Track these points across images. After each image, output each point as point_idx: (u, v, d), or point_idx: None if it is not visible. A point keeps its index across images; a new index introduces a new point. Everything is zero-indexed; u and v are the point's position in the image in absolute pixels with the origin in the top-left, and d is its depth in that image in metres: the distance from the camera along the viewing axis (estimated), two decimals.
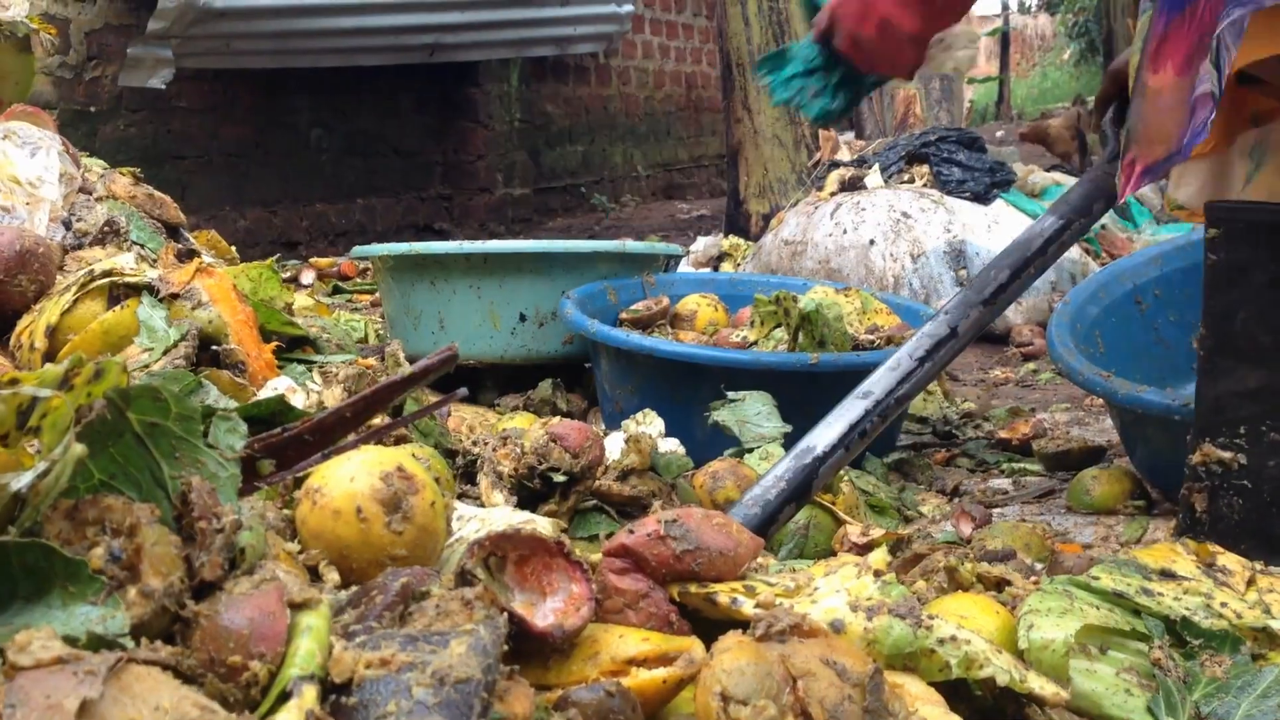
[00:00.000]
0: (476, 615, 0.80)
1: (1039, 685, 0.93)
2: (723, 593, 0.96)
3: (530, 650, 0.87)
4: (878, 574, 0.98)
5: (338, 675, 0.75)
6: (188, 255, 1.55)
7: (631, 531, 0.98)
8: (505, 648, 0.80)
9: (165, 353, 1.35)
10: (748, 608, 0.94)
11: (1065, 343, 1.98)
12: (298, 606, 0.79)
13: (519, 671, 0.83)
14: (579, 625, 0.88)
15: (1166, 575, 1.20)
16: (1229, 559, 1.30)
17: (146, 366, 1.32)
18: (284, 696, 0.75)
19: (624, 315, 2.48)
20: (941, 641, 0.92)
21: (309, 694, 0.74)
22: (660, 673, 0.84)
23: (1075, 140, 3.83)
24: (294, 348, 1.64)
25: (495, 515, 1.21)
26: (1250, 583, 1.23)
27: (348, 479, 0.99)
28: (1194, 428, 1.37)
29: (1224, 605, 1.16)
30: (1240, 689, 1.04)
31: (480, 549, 0.88)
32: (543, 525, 1.14)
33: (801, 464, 1.51)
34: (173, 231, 1.62)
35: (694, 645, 0.86)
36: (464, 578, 0.87)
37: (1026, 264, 1.71)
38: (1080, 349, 1.98)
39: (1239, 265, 1.32)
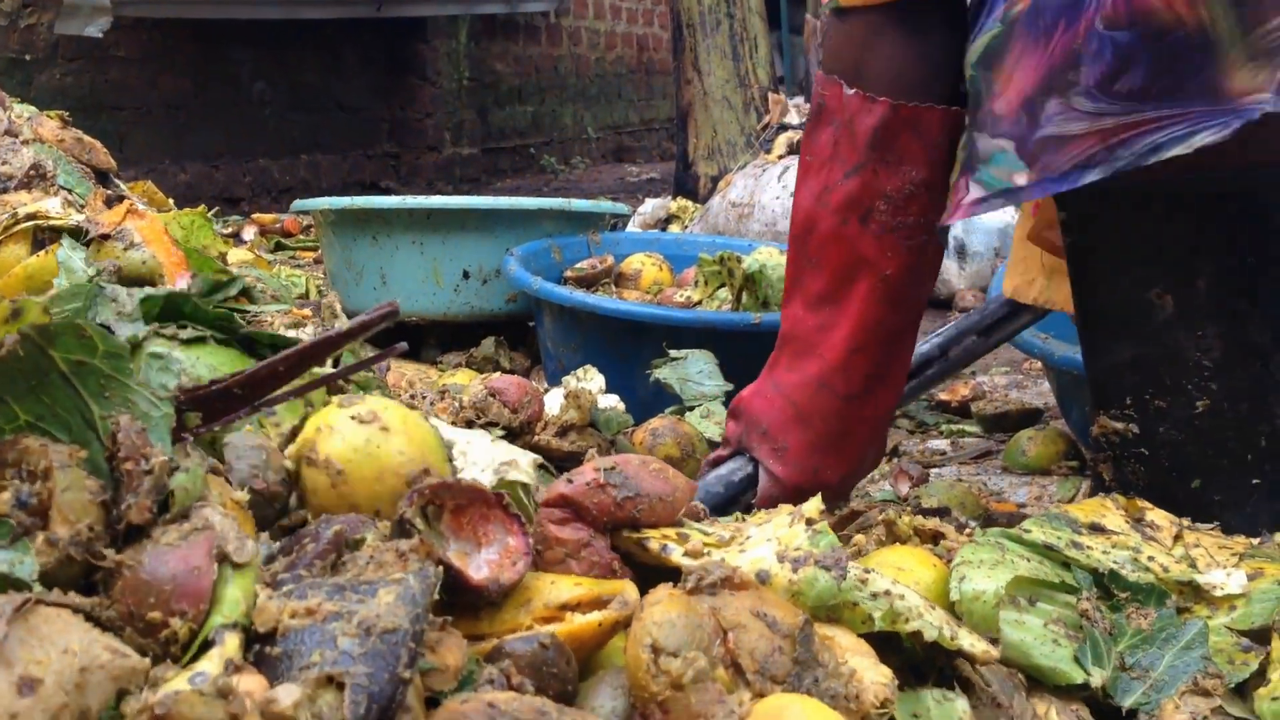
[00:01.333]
0: (410, 565, 0.79)
1: (969, 643, 0.94)
2: (654, 539, 0.96)
3: (464, 602, 0.87)
4: (810, 522, 0.98)
5: (262, 625, 0.74)
6: (118, 201, 1.51)
7: (570, 481, 0.97)
8: (437, 598, 0.79)
9: None
10: (676, 555, 0.94)
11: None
12: (229, 560, 0.78)
13: (451, 622, 0.82)
14: (514, 579, 0.87)
15: (1096, 529, 1.21)
16: (1157, 514, 1.32)
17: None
18: (207, 645, 0.74)
19: (568, 273, 2.47)
20: (875, 595, 0.92)
21: (231, 643, 0.73)
22: (594, 616, 0.83)
23: None
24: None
25: (476, 445, 1.19)
26: (1177, 537, 1.25)
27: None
28: (1090, 401, 1.39)
29: (1151, 559, 1.18)
30: (1164, 640, 1.06)
31: (419, 497, 0.87)
32: (524, 463, 1.12)
33: (710, 491, 1.48)
34: (102, 177, 1.58)
35: (627, 587, 0.86)
36: (402, 527, 0.86)
37: (925, 364, 1.65)
38: None
39: (1089, 245, 1.33)
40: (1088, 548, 1.16)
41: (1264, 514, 1.29)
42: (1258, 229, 1.26)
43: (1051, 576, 1.09)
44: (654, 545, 0.96)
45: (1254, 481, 1.29)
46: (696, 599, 0.83)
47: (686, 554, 0.94)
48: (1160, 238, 1.27)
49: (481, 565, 0.88)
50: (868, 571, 0.94)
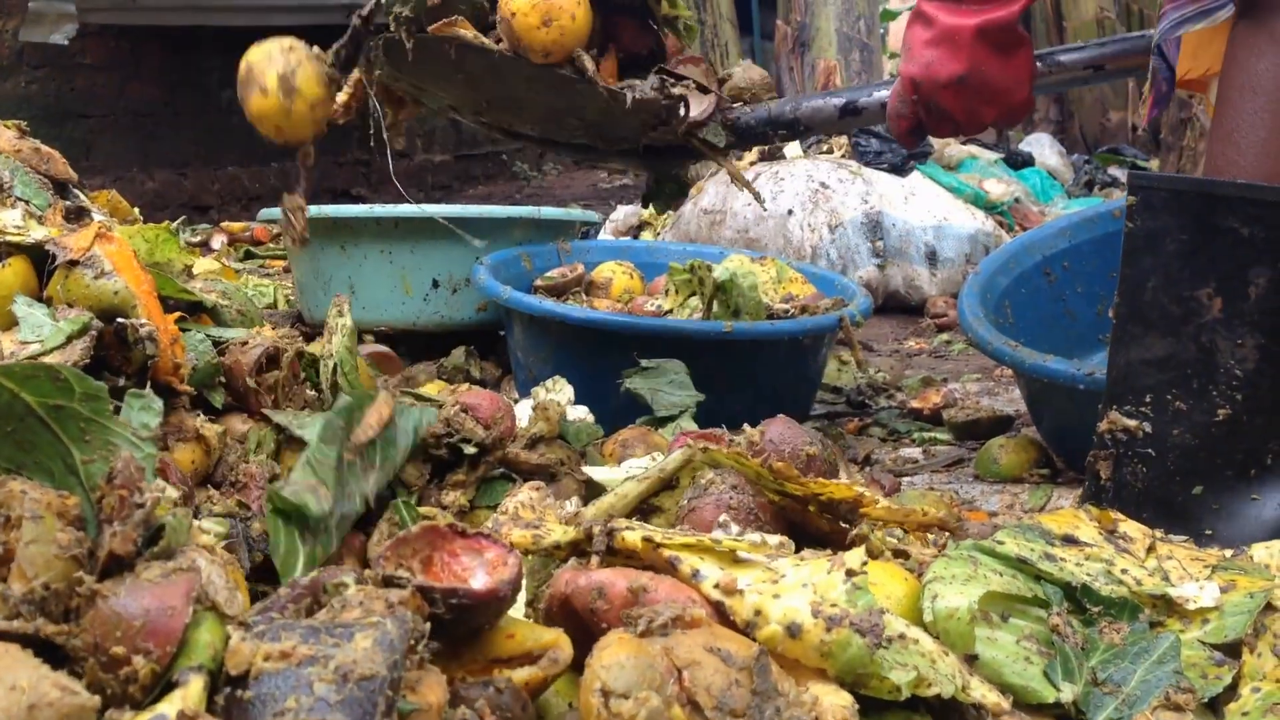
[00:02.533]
0: (391, 609, 0.77)
1: (981, 694, 0.93)
2: (686, 561, 0.93)
3: (466, 633, 0.83)
4: (850, 574, 0.95)
5: (234, 667, 0.71)
6: (77, 213, 1.48)
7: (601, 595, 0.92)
8: (415, 641, 0.76)
9: (54, 350, 1.27)
10: (707, 585, 0.92)
11: (975, 312, 1.99)
12: (209, 605, 0.75)
13: (438, 657, 0.79)
14: (516, 573, 0.84)
15: (1070, 541, 1.21)
16: (1130, 526, 1.32)
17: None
18: (172, 686, 0.72)
19: (539, 282, 2.45)
20: (890, 640, 0.90)
21: (195, 686, 0.71)
22: (523, 673, 0.81)
23: None
24: (192, 315, 1.58)
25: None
26: (1150, 550, 1.25)
27: None
28: (1104, 395, 1.38)
29: (1124, 572, 1.17)
30: (1137, 655, 1.05)
31: (390, 557, 0.84)
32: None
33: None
34: (61, 188, 1.55)
35: (560, 641, 0.83)
36: (391, 581, 0.83)
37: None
38: (990, 319, 2.00)
39: (1153, 233, 1.33)
40: (1061, 560, 1.15)
41: (1254, 528, 1.30)
42: None
43: (1024, 590, 1.08)
44: (685, 569, 0.94)
45: (1253, 497, 1.31)
46: (647, 640, 0.81)
47: (718, 586, 0.92)
48: (1225, 239, 1.28)
49: (479, 578, 0.86)
50: (883, 612, 0.92)
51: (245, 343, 1.49)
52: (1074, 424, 1.90)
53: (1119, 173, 4.02)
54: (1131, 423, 1.33)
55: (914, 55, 1.63)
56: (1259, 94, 1.30)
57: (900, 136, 1.75)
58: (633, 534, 0.98)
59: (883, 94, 1.80)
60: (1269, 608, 1.10)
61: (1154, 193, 1.35)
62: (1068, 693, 0.98)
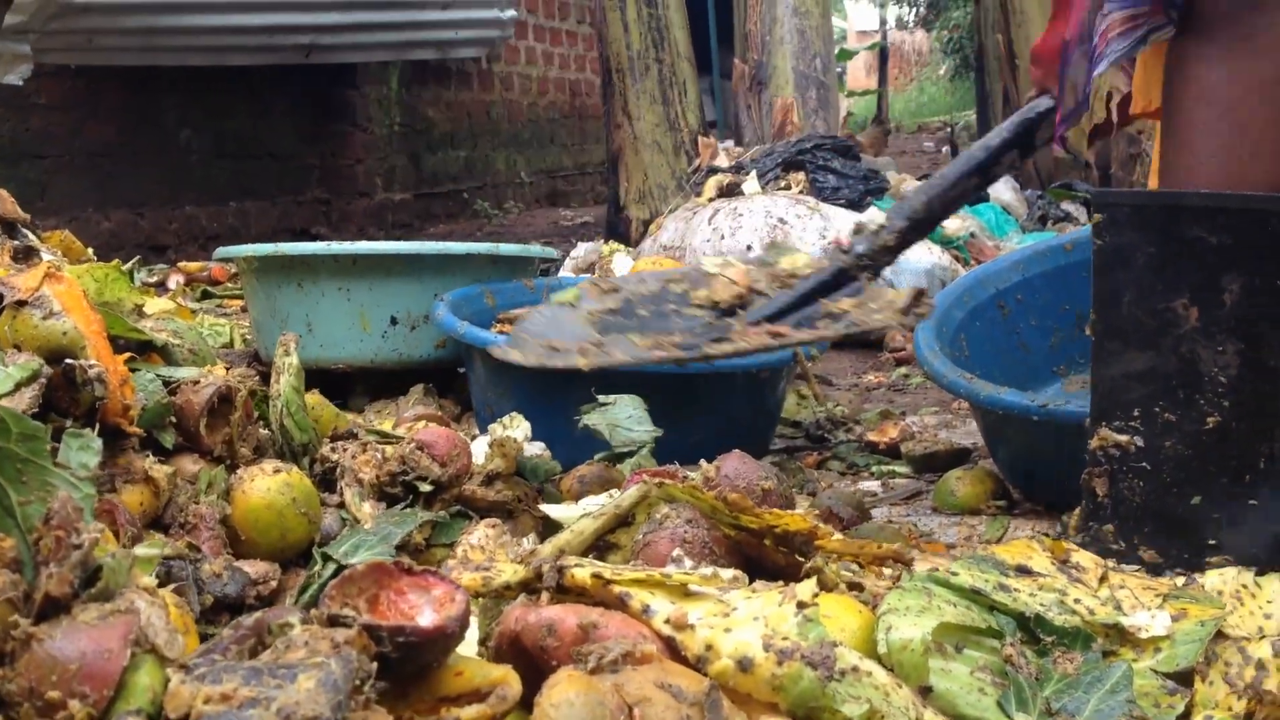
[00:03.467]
0: (337, 648, 0.75)
1: None
2: (636, 597, 0.93)
3: (414, 671, 0.82)
4: (801, 605, 0.95)
5: (173, 710, 0.70)
6: (26, 253, 1.47)
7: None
8: (360, 681, 0.75)
9: (2, 398, 1.25)
10: (658, 620, 0.91)
11: (931, 345, 2.00)
12: (148, 648, 0.74)
13: (385, 697, 0.78)
14: (463, 610, 0.83)
15: (1023, 571, 1.21)
16: (1083, 556, 1.32)
17: None
18: None
19: (501, 317, 2.44)
20: (843, 673, 0.90)
21: None
22: (471, 711, 0.80)
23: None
24: (143, 354, 1.57)
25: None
26: (1103, 579, 1.26)
27: None
28: (1091, 413, 1.38)
29: (1077, 601, 1.18)
30: (1090, 684, 1.05)
31: (335, 596, 0.83)
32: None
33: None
34: (10, 228, 1.53)
35: (509, 677, 0.82)
36: (337, 620, 0.82)
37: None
38: (945, 352, 2.01)
39: (1122, 249, 1.34)
40: (1015, 590, 1.16)
41: (1259, 535, 1.29)
42: None
43: (979, 621, 1.08)
44: (635, 605, 0.93)
45: (1251, 502, 1.30)
46: (598, 677, 0.81)
47: (669, 621, 0.91)
48: (1195, 248, 1.28)
49: (427, 615, 0.85)
50: (836, 645, 0.92)
51: (197, 382, 1.48)
52: (1029, 455, 1.92)
53: (1072, 208, 4.08)
54: (1122, 438, 1.32)
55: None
56: (1214, 104, 1.31)
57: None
58: (582, 571, 0.97)
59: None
60: (1220, 635, 1.10)
61: (1119, 209, 1.36)
62: None
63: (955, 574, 1.16)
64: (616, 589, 0.94)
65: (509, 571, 1.03)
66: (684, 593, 0.96)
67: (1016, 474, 1.94)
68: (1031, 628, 1.11)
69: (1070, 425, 1.78)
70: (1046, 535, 1.75)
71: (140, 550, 0.82)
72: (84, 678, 0.69)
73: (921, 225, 1.79)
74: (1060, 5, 1.62)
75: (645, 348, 1.76)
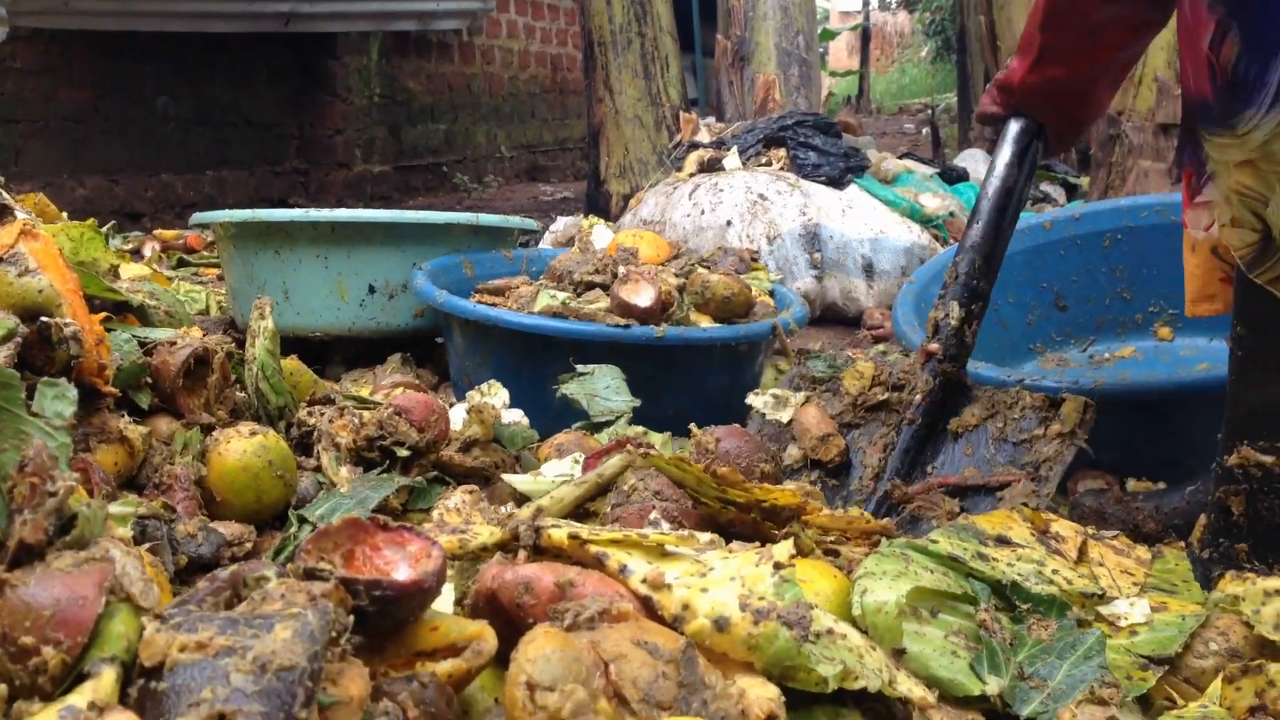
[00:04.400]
0: (313, 601, 0.75)
1: (908, 688, 0.93)
2: (613, 556, 0.93)
3: (390, 626, 0.82)
4: (778, 566, 0.95)
5: (148, 658, 0.69)
6: (0, 211, 1.45)
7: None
8: (337, 633, 0.75)
9: None
10: (635, 579, 0.91)
11: (909, 320, 2.01)
12: (123, 596, 0.73)
13: (361, 650, 0.78)
14: (440, 565, 0.83)
15: (1002, 541, 1.22)
16: (1062, 526, 1.33)
17: None
18: (83, 678, 0.70)
19: (480, 288, 2.44)
20: (819, 635, 0.90)
21: (106, 678, 0.69)
22: (446, 666, 0.80)
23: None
24: (118, 315, 1.56)
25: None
26: (1081, 549, 1.26)
27: None
28: (1227, 428, 1.33)
29: (1055, 572, 1.19)
30: (1063, 650, 1.06)
31: (311, 550, 0.83)
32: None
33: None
34: None
35: (485, 632, 0.83)
36: (313, 574, 0.82)
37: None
38: (923, 326, 2.02)
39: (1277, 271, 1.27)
40: (993, 560, 1.17)
41: None
42: None
43: (954, 587, 1.09)
44: (612, 564, 0.94)
45: None
46: (574, 634, 0.81)
47: (645, 581, 0.91)
48: None
49: (402, 570, 0.84)
50: (810, 608, 0.93)
51: (173, 343, 1.47)
52: None
53: (1051, 188, 4.09)
54: (1268, 459, 1.28)
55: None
56: None
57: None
58: (559, 531, 0.97)
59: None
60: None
61: None
62: (993, 685, 0.99)
63: (935, 541, 1.17)
64: (593, 549, 0.94)
65: (485, 533, 1.03)
66: (661, 553, 0.96)
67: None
68: (1008, 595, 1.12)
69: None
70: (1025, 505, 1.76)
71: (115, 508, 0.81)
72: (58, 624, 0.69)
73: (977, 295, 1.75)
74: (1025, 43, 1.61)
75: None
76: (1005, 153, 1.72)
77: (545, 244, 4.04)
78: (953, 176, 3.99)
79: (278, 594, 0.75)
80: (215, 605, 0.75)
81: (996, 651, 1.03)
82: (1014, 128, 1.72)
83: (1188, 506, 1.60)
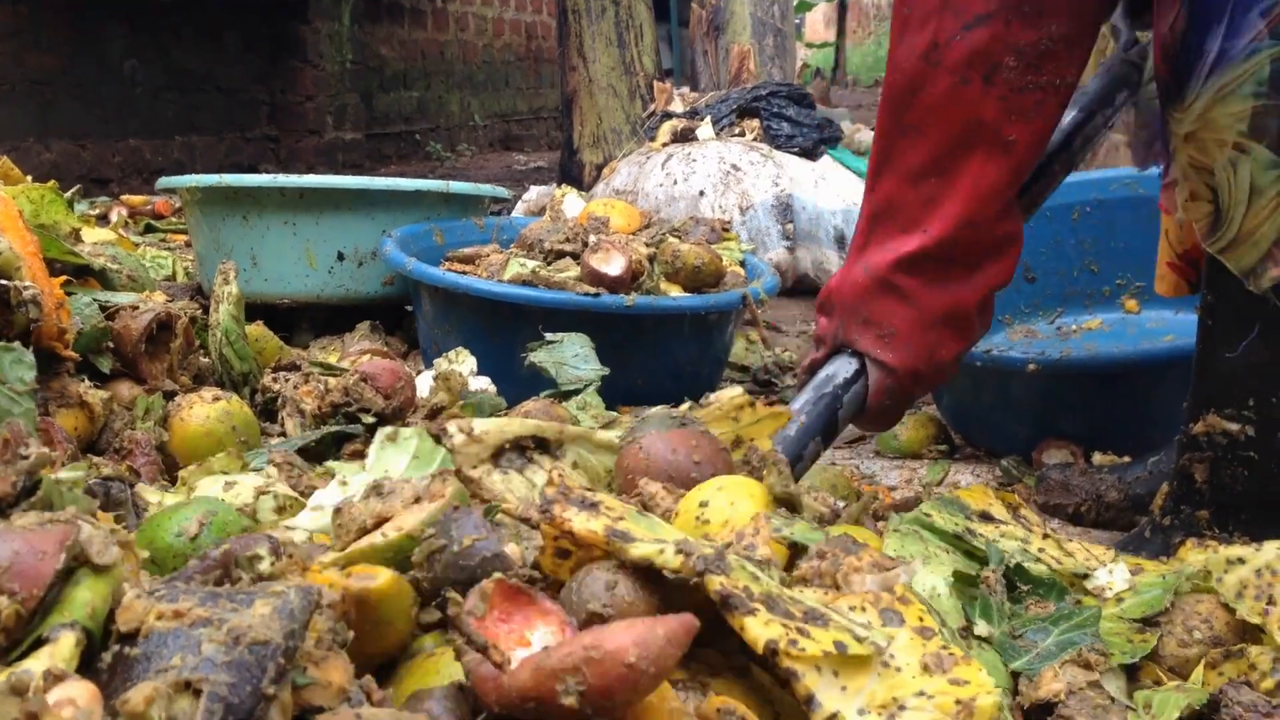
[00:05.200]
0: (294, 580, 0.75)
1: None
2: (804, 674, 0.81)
3: None
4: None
5: (124, 624, 0.69)
6: None
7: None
8: (335, 631, 0.74)
9: None
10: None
11: None
12: (88, 563, 0.73)
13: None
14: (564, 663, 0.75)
15: (985, 518, 1.22)
16: (1029, 511, 1.34)
17: None
18: (43, 643, 0.69)
19: (450, 256, 2.42)
20: None
21: (65, 642, 0.68)
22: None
23: None
24: (79, 279, 1.54)
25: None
26: (1045, 537, 1.27)
27: None
28: (1193, 397, 1.33)
29: (1041, 550, 1.20)
30: (1058, 619, 1.08)
31: (482, 593, 0.79)
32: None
33: (821, 394, 1.38)
34: None
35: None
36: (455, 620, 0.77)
37: (1049, 160, 1.57)
38: None
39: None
40: (981, 535, 1.18)
41: None
42: None
43: (970, 569, 1.11)
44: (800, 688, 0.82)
45: None
46: None
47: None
48: None
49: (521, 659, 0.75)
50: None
51: (135, 308, 1.45)
52: (971, 401, 1.94)
53: None
54: (1233, 426, 1.28)
55: (905, 341, 1.35)
56: None
57: (883, 427, 1.49)
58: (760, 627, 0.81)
59: None
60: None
61: None
62: (982, 628, 1.00)
63: (928, 515, 1.18)
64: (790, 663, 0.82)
65: (651, 550, 0.86)
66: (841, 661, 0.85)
67: (958, 419, 1.97)
68: (1009, 576, 1.13)
69: (1012, 371, 1.80)
70: (1000, 487, 1.78)
71: (65, 474, 0.80)
72: (14, 575, 0.68)
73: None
74: (856, 245, 1.40)
75: None
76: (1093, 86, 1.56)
77: (517, 213, 4.02)
78: None
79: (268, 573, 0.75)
80: (204, 583, 0.74)
81: (991, 606, 1.04)
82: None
83: (1150, 476, 1.62)
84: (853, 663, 0.82)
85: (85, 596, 0.72)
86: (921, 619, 0.87)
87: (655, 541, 0.86)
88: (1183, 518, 1.35)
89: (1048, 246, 2.22)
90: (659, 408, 1.27)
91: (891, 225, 1.31)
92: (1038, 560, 1.17)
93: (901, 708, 0.80)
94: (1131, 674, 1.04)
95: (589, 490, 0.93)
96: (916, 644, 0.85)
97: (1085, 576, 1.17)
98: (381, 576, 0.83)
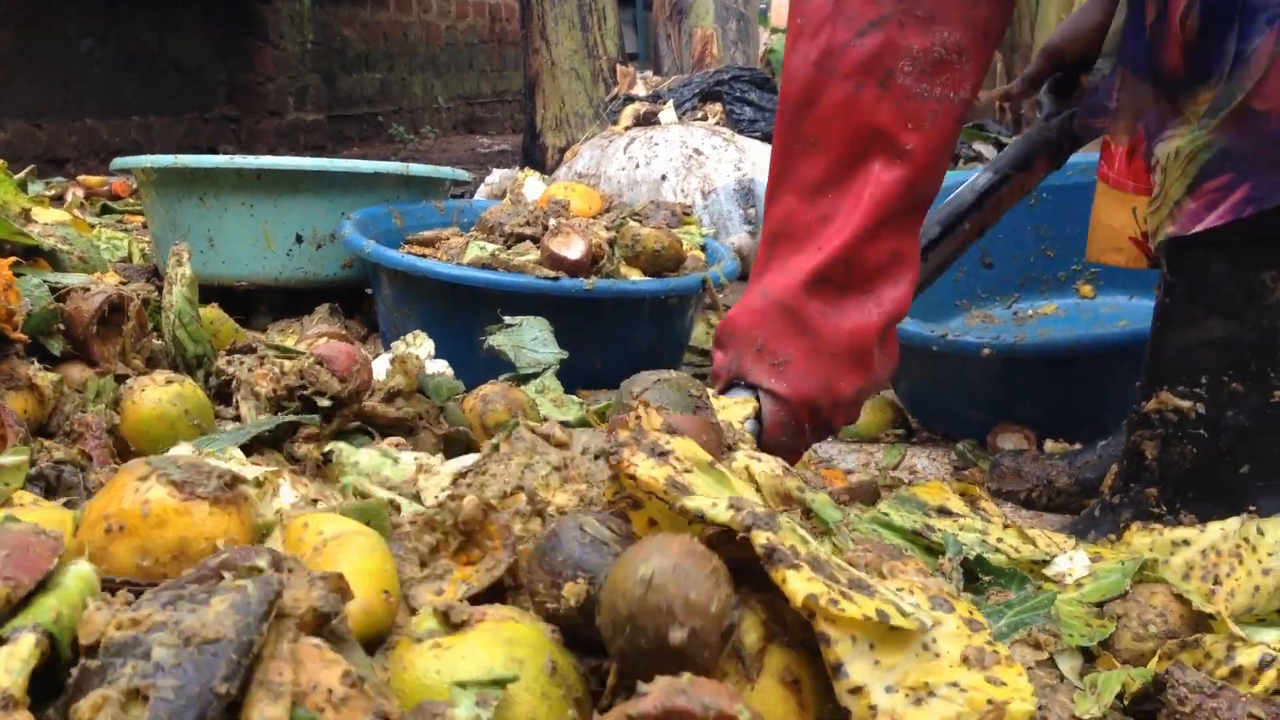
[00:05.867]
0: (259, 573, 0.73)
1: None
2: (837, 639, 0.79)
3: None
4: None
5: (85, 637, 0.67)
6: None
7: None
8: (270, 605, 0.73)
9: None
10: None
11: None
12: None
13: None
14: None
15: (944, 512, 1.23)
16: (988, 504, 1.35)
17: None
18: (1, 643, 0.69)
19: (410, 239, 2.41)
20: None
21: (23, 644, 0.67)
22: None
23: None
24: (29, 259, 1.52)
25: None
26: (1006, 527, 1.28)
27: None
28: (1146, 374, 1.33)
29: (1000, 541, 1.20)
30: (1013, 604, 1.09)
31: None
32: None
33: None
34: None
35: None
36: None
37: (959, 219, 1.61)
38: None
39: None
40: (940, 530, 1.19)
41: None
42: None
43: (928, 564, 1.11)
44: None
45: None
46: None
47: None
48: None
49: None
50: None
51: (87, 289, 1.44)
52: (928, 386, 1.95)
53: (984, 148, 4.13)
54: (1185, 403, 1.28)
55: (801, 371, 1.30)
56: None
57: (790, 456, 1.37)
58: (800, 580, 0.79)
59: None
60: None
61: None
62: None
63: (886, 514, 1.19)
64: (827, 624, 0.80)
65: (710, 507, 0.84)
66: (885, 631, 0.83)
67: (915, 403, 1.98)
68: (970, 567, 1.14)
69: (968, 356, 1.82)
70: (955, 470, 1.79)
71: (5, 459, 0.79)
72: (13, 565, 0.68)
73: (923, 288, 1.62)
74: (755, 271, 1.36)
75: None
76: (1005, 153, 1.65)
77: (480, 196, 4.00)
78: None
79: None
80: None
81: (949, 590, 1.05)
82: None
83: (1099, 461, 1.64)
84: (892, 637, 0.79)
85: (51, 602, 0.71)
86: (971, 612, 0.85)
87: (711, 497, 0.84)
88: (1131, 496, 1.36)
89: (1006, 232, 2.24)
90: (651, 373, 1.20)
91: (788, 245, 1.28)
92: (997, 550, 1.18)
93: (931, 694, 0.78)
94: (1091, 661, 1.05)
95: (666, 437, 0.91)
96: (962, 634, 0.83)
97: (1045, 564, 1.18)
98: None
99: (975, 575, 1.14)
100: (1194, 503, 1.30)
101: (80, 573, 0.74)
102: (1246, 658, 1.01)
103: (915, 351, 1.86)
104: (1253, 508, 1.26)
